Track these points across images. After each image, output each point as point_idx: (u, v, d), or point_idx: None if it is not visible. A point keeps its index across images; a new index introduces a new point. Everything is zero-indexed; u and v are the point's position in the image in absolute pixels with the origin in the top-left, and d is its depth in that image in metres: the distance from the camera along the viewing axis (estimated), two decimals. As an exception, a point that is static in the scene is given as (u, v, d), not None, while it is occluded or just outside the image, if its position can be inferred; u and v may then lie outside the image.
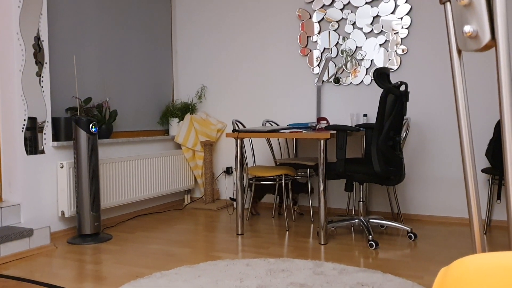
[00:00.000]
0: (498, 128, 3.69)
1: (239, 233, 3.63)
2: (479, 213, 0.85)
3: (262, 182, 4.05)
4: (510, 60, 0.74)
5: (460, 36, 0.80)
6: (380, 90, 4.23)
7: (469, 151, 0.83)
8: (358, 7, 4.27)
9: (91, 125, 3.45)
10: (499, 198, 3.79)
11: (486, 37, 0.74)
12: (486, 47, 0.76)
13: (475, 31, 0.75)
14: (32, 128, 3.43)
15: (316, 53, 4.47)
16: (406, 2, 4.10)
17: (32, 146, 3.43)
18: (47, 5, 3.64)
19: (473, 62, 3.92)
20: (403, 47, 4.13)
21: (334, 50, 4.39)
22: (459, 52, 0.82)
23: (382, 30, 4.19)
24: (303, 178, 4.34)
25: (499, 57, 0.73)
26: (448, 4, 0.81)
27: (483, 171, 3.65)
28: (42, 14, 3.48)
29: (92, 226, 3.49)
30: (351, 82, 4.34)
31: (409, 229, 3.45)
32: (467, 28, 0.76)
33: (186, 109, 4.91)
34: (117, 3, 4.37)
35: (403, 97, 3.21)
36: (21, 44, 3.33)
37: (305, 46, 4.52)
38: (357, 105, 4.34)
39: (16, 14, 3.30)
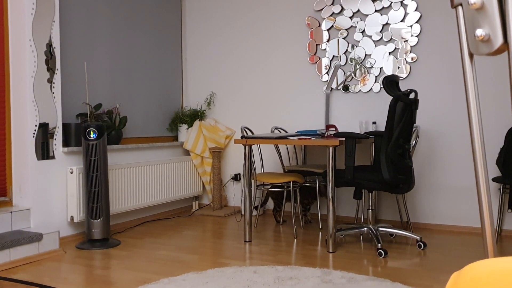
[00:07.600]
0: (509, 137, 3.66)
1: (247, 240, 3.63)
2: (491, 218, 0.84)
3: (278, 189, 4.03)
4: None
5: (472, 39, 0.79)
6: (389, 98, 4.22)
7: (481, 155, 0.83)
8: (367, 15, 4.27)
9: (87, 131, 3.45)
10: (510, 207, 3.74)
11: (499, 41, 0.74)
12: (498, 51, 0.75)
13: (487, 35, 0.75)
14: (43, 134, 3.46)
15: (325, 61, 4.47)
16: (416, 10, 4.09)
17: (43, 151, 3.46)
18: (59, 12, 3.68)
19: (483, 68, 3.90)
20: (412, 55, 4.13)
21: (343, 58, 4.39)
22: (471, 56, 0.82)
23: (391, 38, 4.19)
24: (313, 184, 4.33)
25: (511, 61, 0.73)
26: (459, 7, 0.81)
27: (494, 180, 3.61)
28: (54, 22, 3.52)
29: (100, 231, 3.50)
30: (360, 90, 4.34)
31: (418, 238, 3.42)
32: (479, 32, 0.76)
33: (195, 116, 4.93)
34: (127, 11, 4.41)
35: (413, 104, 3.20)
36: (33, 51, 3.37)
37: (314, 54, 4.53)
38: (366, 113, 4.33)
39: (29, 21, 3.34)
